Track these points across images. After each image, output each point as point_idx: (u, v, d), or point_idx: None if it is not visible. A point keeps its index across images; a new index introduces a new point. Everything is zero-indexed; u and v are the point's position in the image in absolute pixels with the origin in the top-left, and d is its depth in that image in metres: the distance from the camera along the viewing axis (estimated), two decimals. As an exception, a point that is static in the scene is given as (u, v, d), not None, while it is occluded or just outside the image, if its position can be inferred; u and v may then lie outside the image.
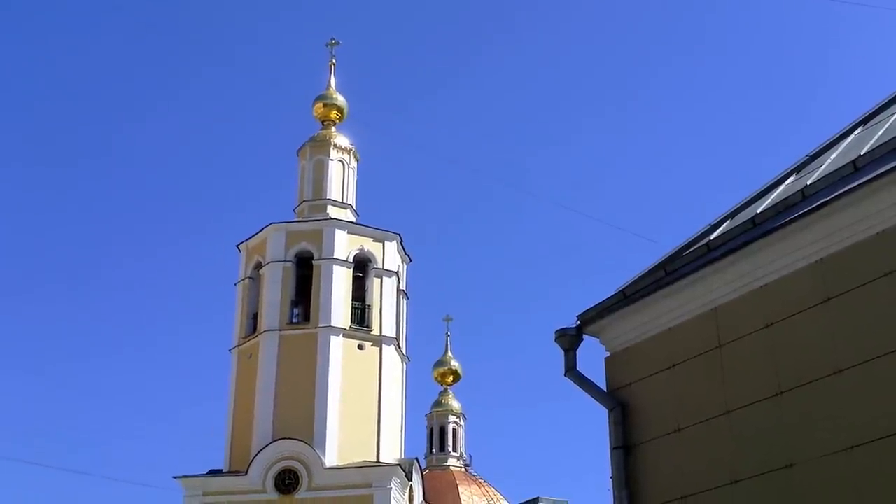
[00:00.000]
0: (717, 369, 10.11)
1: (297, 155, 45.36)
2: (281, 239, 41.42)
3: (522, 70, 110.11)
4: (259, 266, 41.59)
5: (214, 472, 38.77)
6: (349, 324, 40.39)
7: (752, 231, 10.15)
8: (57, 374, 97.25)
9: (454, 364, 61.24)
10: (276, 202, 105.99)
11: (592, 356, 11.46)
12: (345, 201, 44.26)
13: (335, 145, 44.83)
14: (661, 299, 10.83)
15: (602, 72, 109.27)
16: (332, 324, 39.80)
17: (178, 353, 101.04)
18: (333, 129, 45.71)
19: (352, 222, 42.95)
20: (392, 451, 39.67)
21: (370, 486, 37.65)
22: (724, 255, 10.22)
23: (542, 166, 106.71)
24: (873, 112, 11.53)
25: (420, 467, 42.59)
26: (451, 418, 60.12)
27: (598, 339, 11.53)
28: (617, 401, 10.96)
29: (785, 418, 9.34)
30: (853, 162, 9.68)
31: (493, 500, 55.63)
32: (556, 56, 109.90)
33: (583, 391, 11.18)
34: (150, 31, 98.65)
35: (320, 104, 45.95)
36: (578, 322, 11.44)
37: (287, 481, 37.68)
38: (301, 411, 38.35)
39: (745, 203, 11.39)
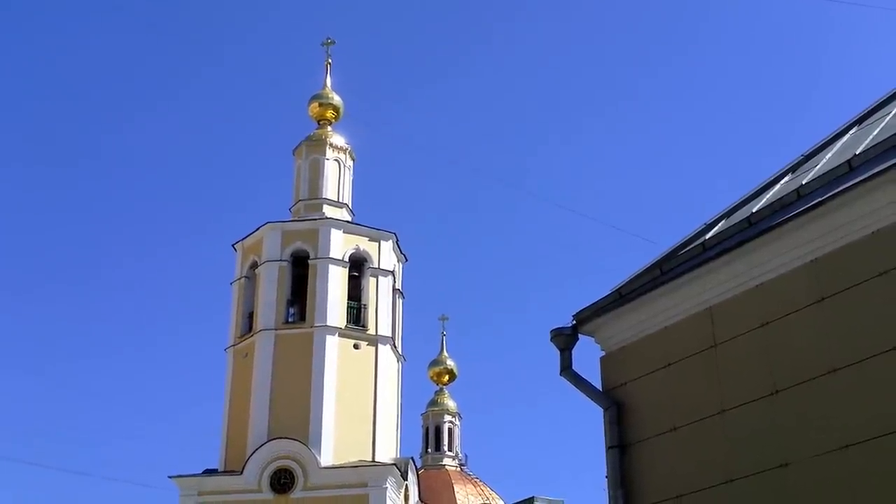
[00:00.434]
0: (713, 369, 10.11)
1: (293, 154, 45.36)
2: (277, 238, 41.40)
3: (519, 69, 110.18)
4: (255, 265, 41.58)
5: (210, 472, 38.76)
6: (345, 323, 40.38)
7: (748, 230, 10.15)
8: (52, 375, 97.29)
9: (450, 363, 61.26)
10: (272, 201, 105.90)
11: (588, 355, 11.48)
12: (341, 201, 44.25)
13: (331, 145, 44.82)
14: (656, 298, 10.83)
15: (598, 72, 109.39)
16: (328, 323, 39.79)
17: (173, 353, 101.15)
18: (329, 128, 45.71)
19: (348, 222, 42.94)
20: (388, 451, 39.67)
21: (366, 485, 37.66)
22: (719, 255, 10.22)
23: (538, 166, 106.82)
24: (868, 112, 11.54)
25: (416, 467, 42.60)
26: (447, 418, 60.14)
27: (593, 339, 11.52)
28: (612, 400, 10.96)
29: (780, 418, 9.35)
30: (848, 161, 9.69)
31: (488, 499, 55.63)
32: (553, 56, 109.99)
33: (578, 390, 11.18)
34: (147, 31, 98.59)
35: (316, 104, 45.95)
36: (574, 321, 11.44)
37: (282, 481, 37.67)
38: (297, 411, 38.34)
39: (741, 202, 11.39)
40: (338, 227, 41.75)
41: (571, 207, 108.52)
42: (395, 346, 42.22)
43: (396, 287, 43.22)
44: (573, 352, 11.34)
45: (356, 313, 40.99)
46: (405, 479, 39.47)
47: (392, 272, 42.68)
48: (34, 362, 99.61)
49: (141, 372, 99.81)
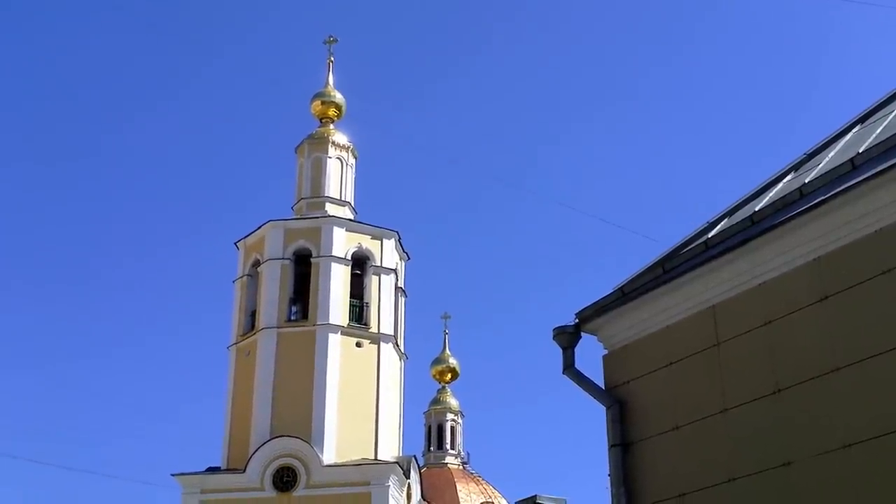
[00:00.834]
0: (715, 367, 10.11)
1: (296, 152, 45.34)
2: (279, 236, 41.39)
3: (521, 68, 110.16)
4: (257, 264, 41.57)
5: (212, 470, 38.76)
6: (347, 321, 40.38)
7: (751, 229, 10.15)
8: (55, 373, 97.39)
9: (452, 362, 61.29)
10: (275, 200, 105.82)
11: (590, 354, 11.48)
12: (343, 199, 44.24)
13: (333, 143, 44.80)
14: (659, 297, 10.83)
15: (600, 70, 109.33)
16: (330, 321, 39.79)
17: (176, 351, 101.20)
18: (332, 126, 45.68)
19: (350, 220, 42.93)
20: (390, 449, 39.67)
21: (368, 483, 37.65)
22: (722, 253, 10.22)
23: (541, 164, 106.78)
24: (871, 110, 11.53)
25: (418, 465, 42.59)
26: (450, 416, 60.18)
27: (596, 337, 11.52)
28: (615, 398, 10.96)
29: (782, 417, 9.34)
30: (851, 160, 9.68)
31: (490, 497, 55.65)
32: (554, 55, 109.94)
33: (581, 389, 11.18)
34: (149, 29, 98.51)
35: (318, 102, 45.92)
36: (577, 320, 11.44)
37: (285, 479, 37.68)
38: (299, 409, 38.34)
39: (744, 201, 11.38)
40: (340, 226, 41.75)
41: (573, 206, 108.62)
42: (398, 345, 42.22)
43: (399, 285, 43.22)
44: (576, 350, 11.34)
45: (358, 311, 40.99)
46: (407, 477, 39.47)
47: (394, 270, 42.67)
48: (36, 361, 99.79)
49: (143, 370, 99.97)
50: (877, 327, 8.79)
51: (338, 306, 40.20)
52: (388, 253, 42.39)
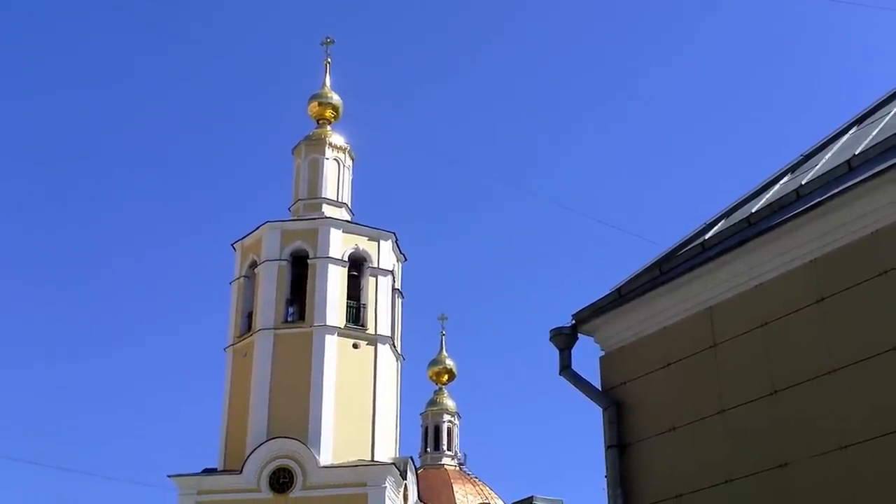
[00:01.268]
0: (712, 369, 10.11)
1: (293, 154, 45.34)
2: (276, 238, 41.39)
3: (519, 69, 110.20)
4: (254, 265, 41.56)
5: (209, 471, 38.75)
6: (344, 323, 40.38)
7: (747, 230, 10.15)
8: (52, 374, 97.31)
9: (449, 363, 61.28)
10: (272, 201, 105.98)
11: (587, 355, 11.48)
12: (340, 200, 44.24)
13: (330, 144, 44.80)
14: (656, 298, 10.83)
15: (598, 71, 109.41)
16: (327, 323, 39.79)
17: (173, 352, 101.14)
18: (329, 127, 45.70)
19: (347, 221, 42.93)
20: (387, 450, 39.67)
21: (365, 484, 37.65)
22: (719, 255, 10.22)
23: (538, 165, 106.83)
24: (868, 111, 11.54)
25: (414, 466, 42.59)
26: (446, 417, 60.18)
27: (592, 338, 11.52)
28: (611, 400, 10.96)
29: (779, 418, 9.35)
30: (848, 161, 9.69)
31: (487, 498, 55.64)
32: (553, 56, 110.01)
33: (577, 390, 11.18)
34: (146, 30, 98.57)
35: (315, 103, 45.93)
36: (573, 321, 11.44)
37: (281, 480, 37.67)
38: (296, 410, 38.33)
39: (740, 202, 11.39)
40: (337, 227, 41.74)
41: (571, 207, 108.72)
42: (395, 346, 42.22)
43: (396, 286, 43.22)
44: (572, 351, 11.34)
45: (355, 313, 40.99)
46: (404, 478, 39.46)
47: (391, 272, 42.67)
48: (34, 362, 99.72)
49: (140, 371, 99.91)
50: (873, 329, 8.80)
51: (334, 307, 40.20)
52: (384, 254, 42.39)
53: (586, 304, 11.40)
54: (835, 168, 9.83)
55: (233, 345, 40.92)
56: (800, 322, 9.42)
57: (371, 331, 40.82)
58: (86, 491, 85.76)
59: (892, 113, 10.74)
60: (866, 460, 8.59)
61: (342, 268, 41.05)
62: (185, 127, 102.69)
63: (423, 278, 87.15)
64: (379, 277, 41.90)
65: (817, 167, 10.56)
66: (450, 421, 60.22)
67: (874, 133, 10.30)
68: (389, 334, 41.55)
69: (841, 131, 11.47)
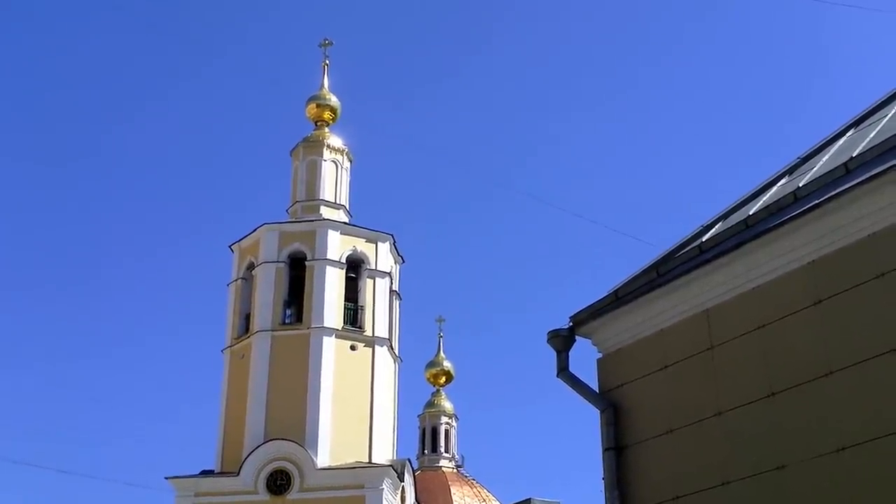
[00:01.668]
0: (709, 371, 10.12)
1: (291, 155, 45.31)
2: (274, 239, 41.36)
3: (515, 70, 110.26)
4: (252, 267, 41.54)
5: (206, 473, 38.70)
6: (342, 324, 40.35)
7: (745, 233, 10.16)
8: (50, 375, 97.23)
9: (447, 365, 61.26)
10: (269, 203, 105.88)
11: (585, 357, 11.48)
12: (338, 202, 44.23)
13: (328, 146, 44.79)
14: (653, 301, 10.83)
15: (595, 72, 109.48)
16: (325, 324, 39.76)
17: (170, 354, 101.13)
18: (327, 129, 45.67)
19: (345, 223, 42.91)
20: (384, 452, 39.64)
21: (362, 486, 37.62)
22: (716, 257, 10.22)
23: (535, 167, 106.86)
24: (865, 114, 11.55)
25: (412, 468, 42.57)
26: (444, 419, 60.14)
27: (590, 341, 11.52)
28: (609, 402, 10.96)
29: (776, 420, 9.35)
30: (845, 164, 9.71)
31: (485, 500, 55.63)
32: (548, 56, 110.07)
33: (575, 392, 11.18)
34: (144, 31, 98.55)
35: (313, 105, 45.91)
36: (571, 323, 11.44)
37: (279, 482, 37.63)
38: (293, 412, 38.30)
39: (738, 205, 11.39)
40: (335, 229, 41.73)
41: (568, 209, 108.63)
42: (392, 348, 42.20)
43: (393, 288, 43.20)
44: (570, 353, 11.34)
45: (353, 314, 40.96)
46: (402, 480, 39.43)
47: (389, 273, 42.65)
48: (33, 362, 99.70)
49: (138, 372, 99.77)
50: (870, 331, 8.80)
51: (332, 309, 40.18)
52: (382, 256, 42.37)
53: (584, 307, 11.41)
54: (832, 170, 9.84)
55: (230, 346, 40.89)
56: (797, 324, 9.43)
57: (369, 333, 40.79)
58: (84, 493, 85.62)
59: (890, 115, 10.75)
60: (863, 462, 8.59)
61: (340, 269, 41.04)
62: (183, 128, 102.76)
63: (421, 280, 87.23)
64: (377, 279, 41.89)
65: (815, 169, 10.57)
66: (447, 423, 60.19)
67: (871, 135, 10.32)
68: (387, 336, 41.53)
69: (838, 134, 11.48)
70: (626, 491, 10.61)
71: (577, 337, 11.42)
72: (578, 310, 11.42)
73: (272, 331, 39.83)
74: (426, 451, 59.16)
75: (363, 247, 42.00)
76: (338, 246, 41.26)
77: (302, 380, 38.75)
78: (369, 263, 41.84)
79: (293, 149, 45.24)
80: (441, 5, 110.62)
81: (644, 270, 11.19)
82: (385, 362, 41.15)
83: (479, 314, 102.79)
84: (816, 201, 9.40)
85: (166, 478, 38.30)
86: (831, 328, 9.14)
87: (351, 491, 37.48)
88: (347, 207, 44.61)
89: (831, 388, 8.97)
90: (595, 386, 11.23)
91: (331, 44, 47.22)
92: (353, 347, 40.26)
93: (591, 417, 11.14)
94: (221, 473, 38.42)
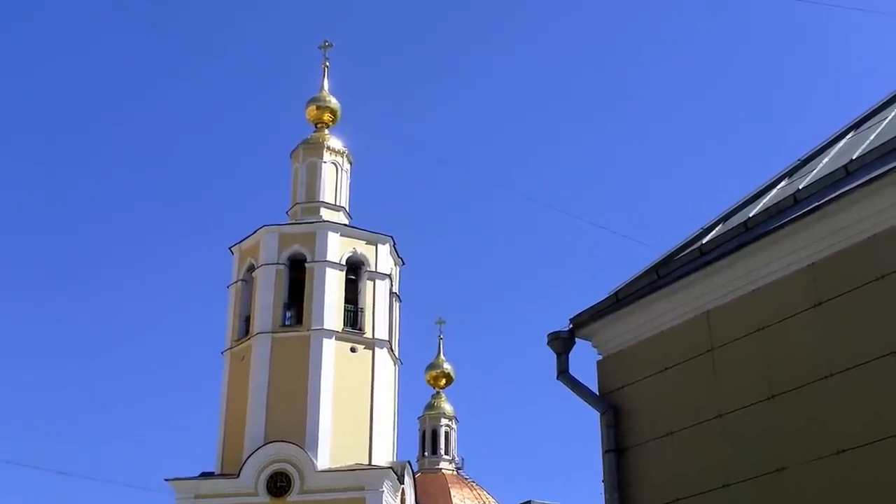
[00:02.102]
0: (710, 373, 10.11)
1: (291, 157, 45.33)
2: (274, 241, 41.37)
3: (516, 72, 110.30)
4: (252, 268, 41.55)
5: (206, 475, 38.71)
6: (342, 326, 40.36)
7: (745, 235, 10.15)
8: (50, 376, 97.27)
9: (447, 367, 61.26)
10: (269, 205, 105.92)
11: (585, 359, 11.47)
12: (338, 204, 44.25)
13: (328, 148, 44.81)
14: (653, 303, 10.82)
15: (595, 73, 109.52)
16: (325, 326, 39.76)
17: (171, 356, 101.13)
18: (327, 131, 45.70)
19: (345, 225, 42.93)
20: (384, 454, 39.64)
21: (362, 488, 37.62)
22: (716, 259, 10.22)
23: (536, 169, 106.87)
24: (865, 116, 11.54)
25: (412, 470, 42.57)
26: (444, 421, 60.15)
27: (590, 343, 11.52)
28: (609, 404, 10.95)
29: (776, 422, 9.34)
30: (845, 166, 9.70)
31: (485, 503, 55.62)
32: (550, 59, 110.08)
33: (575, 394, 11.17)
34: (144, 32, 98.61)
35: (313, 107, 45.93)
36: (571, 325, 11.43)
37: (279, 484, 37.63)
38: (293, 414, 38.30)
39: (738, 207, 11.39)
40: (335, 231, 41.74)
41: (569, 211, 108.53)
42: (392, 350, 42.20)
43: (393, 290, 43.21)
44: (570, 356, 11.32)
45: (353, 316, 40.96)
46: (402, 482, 39.44)
47: (389, 275, 42.66)
48: (33, 363, 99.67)
49: (138, 374, 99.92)
50: (870, 333, 8.80)
51: (332, 311, 40.18)
52: (382, 258, 42.38)
53: (584, 309, 11.40)
54: (832, 172, 9.84)
55: (230, 348, 40.90)
56: (797, 326, 9.42)
57: (369, 335, 40.80)
58: (84, 494, 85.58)
59: (890, 118, 10.74)
60: (863, 465, 8.59)
61: (340, 271, 41.05)
62: (183, 130, 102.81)
63: (421, 282, 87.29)
64: (377, 281, 41.90)
65: (815, 172, 10.56)
66: (447, 425, 60.19)
67: (871, 137, 10.31)
68: (387, 338, 41.53)
69: (838, 136, 11.47)
70: (627, 493, 10.60)
71: (577, 339, 11.41)
72: (578, 312, 11.41)
73: (272, 333, 39.84)
74: (426, 454, 59.17)
75: (363, 249, 42.01)
76: (338, 248, 41.28)
77: (302, 382, 38.75)
78: (369, 265, 41.85)
79: (293, 150, 45.27)
80: (441, 5, 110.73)
81: (644, 272, 11.18)
82: (385, 364, 41.15)
83: (480, 316, 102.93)
84: (816, 203, 9.39)
85: (166, 479, 38.36)
86: (831, 330, 9.13)
87: (351, 493, 37.48)
88: (347, 209, 44.63)
89: (831, 391, 8.97)
90: (595, 388, 11.22)
91: (331, 46, 47.32)
92: (353, 349, 40.27)
93: (591, 419, 11.15)
94: (221, 475, 38.42)
